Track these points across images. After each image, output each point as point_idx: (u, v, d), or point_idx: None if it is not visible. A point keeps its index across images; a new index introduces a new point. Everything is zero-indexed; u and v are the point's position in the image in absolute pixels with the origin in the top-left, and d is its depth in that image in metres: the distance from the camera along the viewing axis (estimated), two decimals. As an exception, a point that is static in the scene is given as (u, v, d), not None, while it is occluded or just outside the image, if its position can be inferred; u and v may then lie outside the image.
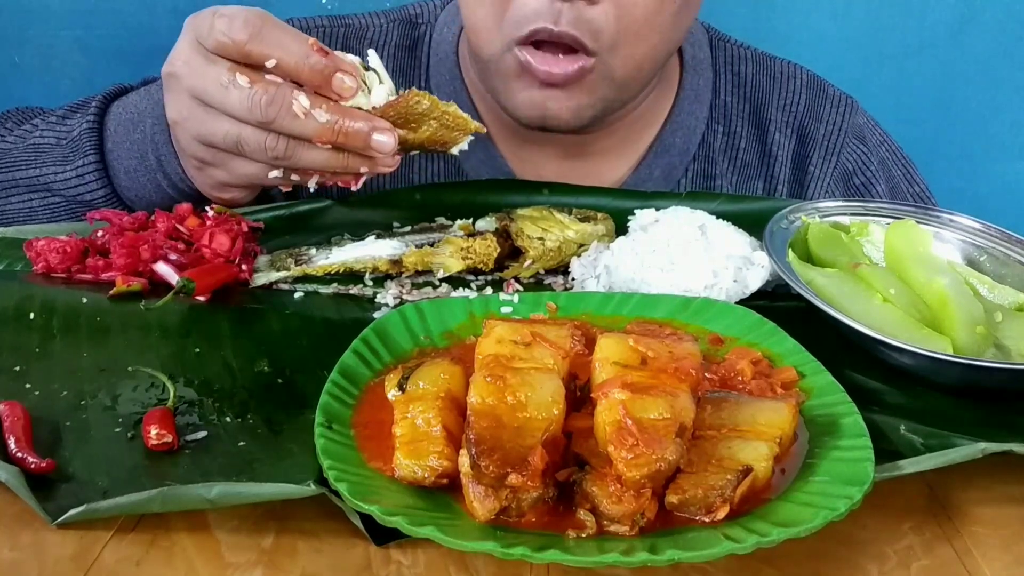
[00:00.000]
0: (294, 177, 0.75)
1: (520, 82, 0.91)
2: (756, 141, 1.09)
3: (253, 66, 0.70)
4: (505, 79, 0.93)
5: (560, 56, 0.89)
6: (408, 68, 1.07)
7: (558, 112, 0.92)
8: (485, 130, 0.76)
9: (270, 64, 0.69)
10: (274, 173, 0.74)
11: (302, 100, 0.69)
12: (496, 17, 0.90)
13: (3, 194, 0.92)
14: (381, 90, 0.72)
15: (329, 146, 0.71)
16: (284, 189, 0.78)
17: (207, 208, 0.85)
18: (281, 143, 0.71)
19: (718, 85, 1.09)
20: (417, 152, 0.77)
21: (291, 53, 0.69)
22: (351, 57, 0.71)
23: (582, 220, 0.85)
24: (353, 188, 0.75)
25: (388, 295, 0.78)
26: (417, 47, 1.07)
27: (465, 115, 0.73)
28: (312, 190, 0.77)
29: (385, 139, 0.71)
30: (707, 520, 0.51)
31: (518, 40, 0.89)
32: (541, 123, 0.94)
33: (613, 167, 1.05)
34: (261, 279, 0.79)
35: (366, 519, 0.51)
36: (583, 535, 0.50)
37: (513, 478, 0.50)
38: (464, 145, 0.76)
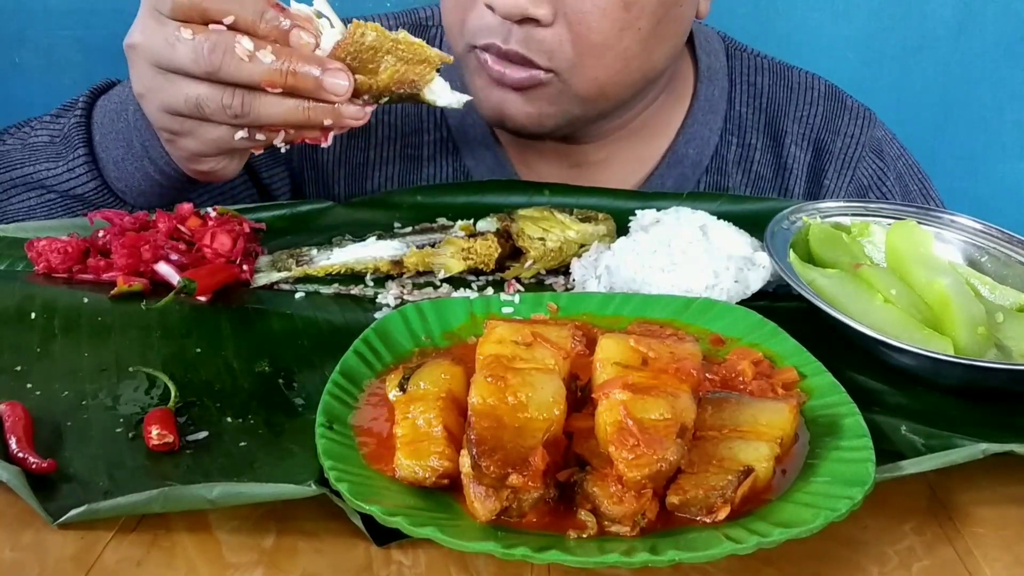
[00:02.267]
0: (260, 136, 0.72)
1: (480, 79, 0.92)
2: (771, 153, 1.08)
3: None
4: (470, 76, 0.94)
5: (514, 64, 0.89)
6: None
7: (515, 115, 0.92)
8: (451, 59, 0.73)
9: (227, 21, 0.67)
10: (240, 134, 0.72)
11: (244, 43, 0.67)
12: (459, 22, 0.91)
13: (3, 195, 0.92)
14: (332, 35, 0.69)
15: (284, 95, 0.69)
16: (255, 152, 0.76)
17: (209, 208, 0.85)
18: (237, 97, 0.69)
19: (733, 95, 1.08)
20: (388, 100, 0.73)
21: (247, 9, 0.67)
22: (306, 9, 0.70)
23: (583, 220, 0.85)
24: (323, 145, 0.73)
25: (389, 295, 0.78)
26: None
27: (419, 40, 0.70)
28: (283, 150, 0.74)
29: (338, 80, 0.68)
30: (708, 521, 0.51)
31: (475, 45, 0.90)
32: (500, 124, 0.94)
33: (623, 177, 1.05)
34: (262, 279, 0.79)
35: (367, 519, 0.51)
36: (584, 535, 0.50)
37: (514, 478, 0.50)
38: (440, 90, 0.72)
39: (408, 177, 1.06)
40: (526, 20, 0.86)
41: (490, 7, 0.86)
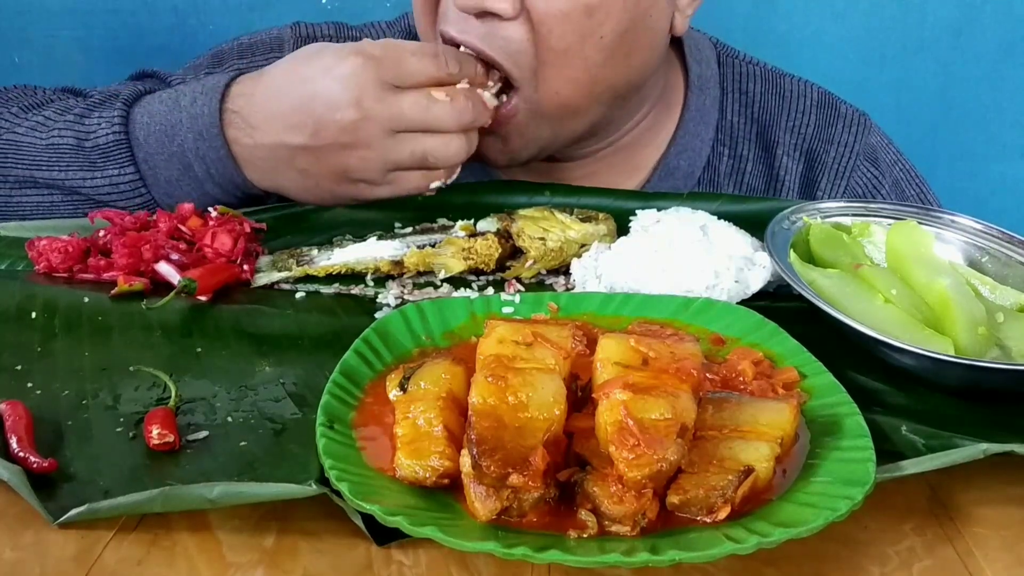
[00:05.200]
0: (446, 182, 0.85)
1: None
2: (763, 164, 1.06)
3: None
4: None
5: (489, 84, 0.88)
6: None
7: (494, 158, 0.93)
8: None
9: (463, 85, 0.82)
10: (435, 184, 0.84)
11: (487, 95, 0.84)
12: (431, 19, 0.91)
13: (17, 186, 0.91)
14: None
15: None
16: (430, 194, 0.86)
17: (210, 208, 0.85)
18: (470, 141, 0.82)
19: (725, 104, 1.06)
20: None
21: (470, 69, 0.83)
22: None
23: (583, 220, 0.84)
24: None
25: (390, 295, 0.78)
26: None
27: None
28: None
29: None
30: (708, 520, 0.51)
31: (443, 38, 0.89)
32: (481, 162, 0.94)
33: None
34: (263, 279, 0.79)
35: (367, 519, 0.51)
36: (584, 535, 0.50)
37: (514, 478, 0.50)
38: None
39: None
40: (486, 14, 0.84)
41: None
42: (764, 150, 1.07)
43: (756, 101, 1.07)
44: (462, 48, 0.86)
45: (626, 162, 1.04)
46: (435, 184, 0.84)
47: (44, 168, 0.90)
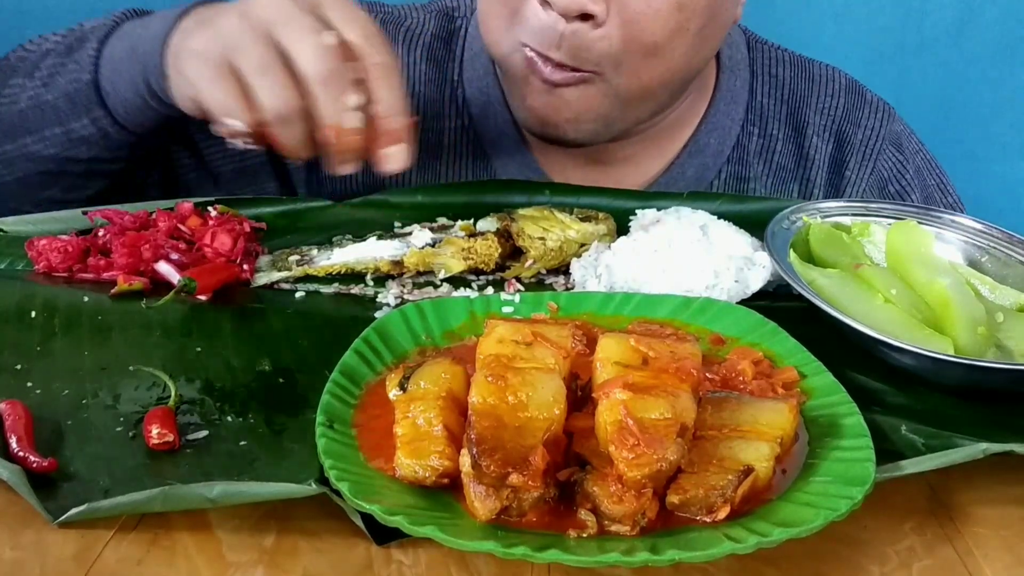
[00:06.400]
0: (244, 136, 0.72)
1: (527, 85, 0.91)
2: (793, 144, 1.08)
3: None
4: (514, 80, 0.93)
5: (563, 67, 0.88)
6: (442, 60, 1.05)
7: (557, 120, 0.92)
8: None
9: (367, 69, 0.71)
10: (234, 121, 0.71)
11: (354, 96, 0.70)
12: (506, 22, 0.90)
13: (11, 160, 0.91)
14: None
15: (311, 138, 0.71)
16: (220, 130, 0.74)
17: (210, 208, 0.85)
18: (294, 101, 0.69)
19: (755, 87, 1.08)
20: None
21: (383, 87, 0.71)
22: None
23: (583, 220, 0.85)
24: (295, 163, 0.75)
25: (389, 295, 0.78)
26: (452, 40, 1.06)
27: None
28: (231, 143, 0.74)
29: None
30: (708, 520, 0.51)
31: (526, 45, 0.89)
32: (542, 129, 0.94)
33: (645, 169, 1.05)
34: (263, 279, 0.79)
35: (367, 519, 0.51)
36: (584, 535, 0.50)
37: (514, 478, 0.50)
38: None
39: (428, 169, 1.04)
40: (579, 17, 0.85)
41: (546, 2, 0.85)
42: (794, 130, 1.08)
43: (786, 84, 1.09)
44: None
45: (660, 143, 1.05)
46: (234, 122, 0.72)
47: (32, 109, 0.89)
